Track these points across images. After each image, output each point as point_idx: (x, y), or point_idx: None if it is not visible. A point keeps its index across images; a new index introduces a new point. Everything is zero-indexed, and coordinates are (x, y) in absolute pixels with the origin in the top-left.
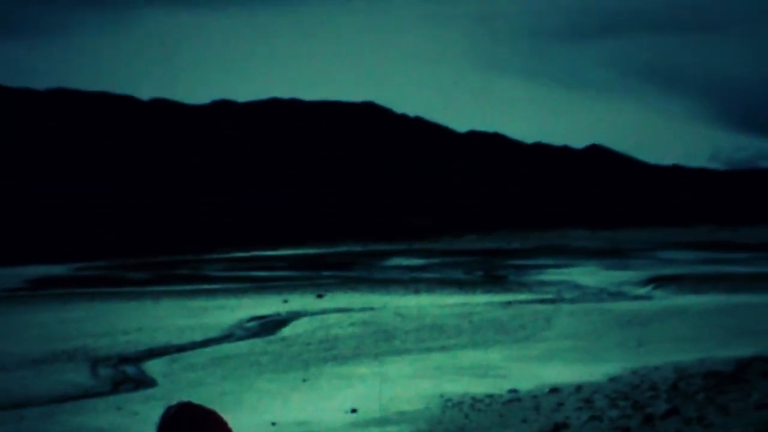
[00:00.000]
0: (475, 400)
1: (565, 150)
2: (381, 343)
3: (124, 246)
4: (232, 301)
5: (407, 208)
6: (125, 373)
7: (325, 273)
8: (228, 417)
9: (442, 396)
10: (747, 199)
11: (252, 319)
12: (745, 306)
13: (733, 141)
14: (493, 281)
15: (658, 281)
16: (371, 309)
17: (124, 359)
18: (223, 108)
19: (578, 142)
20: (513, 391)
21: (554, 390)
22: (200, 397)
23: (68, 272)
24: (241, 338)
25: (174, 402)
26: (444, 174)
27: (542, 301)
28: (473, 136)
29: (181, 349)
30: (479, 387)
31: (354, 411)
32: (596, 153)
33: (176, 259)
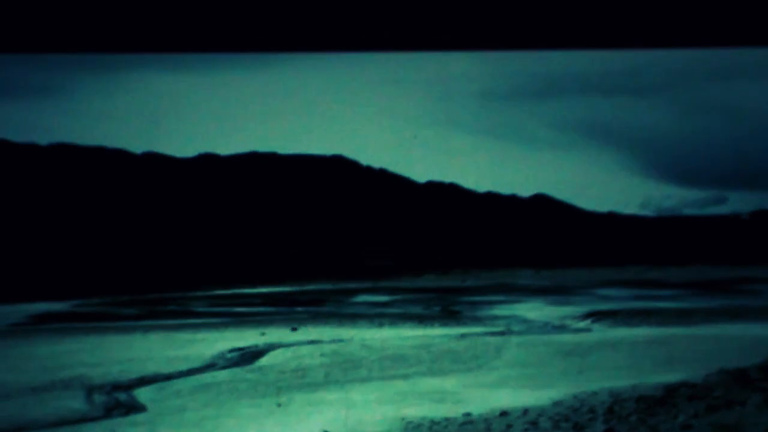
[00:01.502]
0: (433, 422)
1: (513, 198)
2: (348, 371)
3: (117, 285)
4: (214, 334)
5: (372, 251)
6: (117, 400)
7: (299, 309)
8: None
9: (403, 419)
10: (674, 243)
11: (232, 350)
12: (673, 337)
13: (661, 191)
14: (449, 316)
15: (596, 315)
16: (340, 341)
17: (117, 387)
18: (208, 160)
19: (525, 191)
20: (467, 414)
21: (504, 413)
22: (184, 421)
23: (67, 308)
24: (222, 367)
25: None
26: (405, 219)
27: (493, 334)
28: (431, 185)
29: (168, 377)
30: (437, 411)
31: None
32: (541, 201)
33: (164, 297)
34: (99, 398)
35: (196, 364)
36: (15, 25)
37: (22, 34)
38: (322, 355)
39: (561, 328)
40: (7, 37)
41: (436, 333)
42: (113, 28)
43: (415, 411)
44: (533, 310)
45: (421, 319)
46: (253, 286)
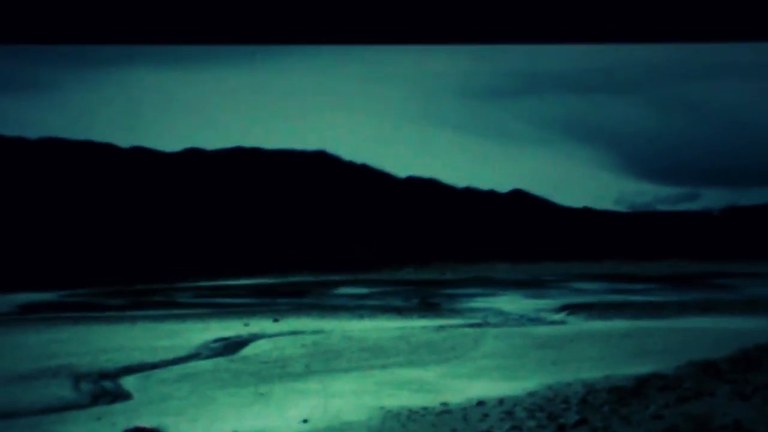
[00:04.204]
0: (411, 411)
1: (492, 193)
2: (329, 362)
3: (104, 276)
4: (198, 325)
5: (354, 244)
6: (104, 388)
7: (281, 300)
8: (193, 426)
9: (382, 408)
10: (647, 238)
11: (216, 340)
12: (645, 330)
13: (635, 187)
14: (428, 308)
15: (571, 308)
16: (321, 332)
17: (104, 375)
18: (193, 155)
19: (503, 186)
20: (444, 404)
21: (480, 403)
22: (169, 409)
23: (55, 298)
24: (206, 357)
25: (132, 425)
26: (386, 214)
27: (470, 326)
28: (412, 180)
29: (154, 366)
30: (415, 400)
31: (305, 421)
32: (518, 196)
33: (150, 288)
34: (86, 386)
35: (180, 354)
36: (3, 16)
37: (10, 25)
38: (303, 345)
39: (537, 321)
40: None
41: (415, 325)
42: (101, 18)
43: (394, 401)
44: (510, 302)
45: (400, 311)
46: (237, 277)
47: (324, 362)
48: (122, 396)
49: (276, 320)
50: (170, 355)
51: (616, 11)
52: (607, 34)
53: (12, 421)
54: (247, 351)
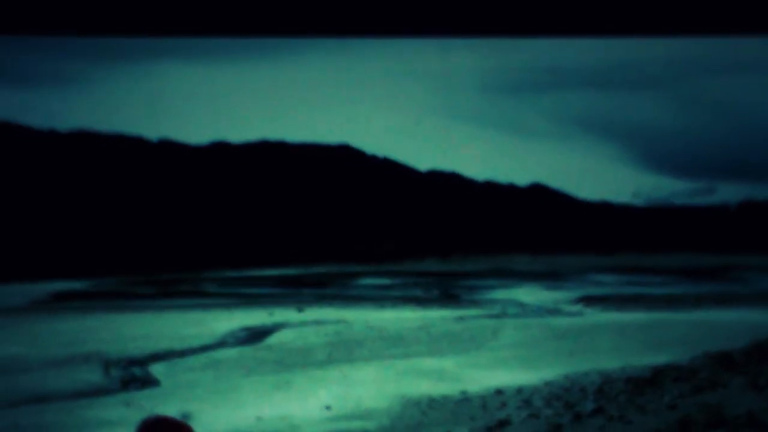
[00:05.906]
0: (431, 399)
1: (511, 187)
2: (351, 351)
3: (133, 265)
4: (224, 314)
5: (376, 236)
6: (133, 374)
7: (305, 290)
8: (218, 412)
9: (403, 396)
10: (664, 231)
11: (242, 329)
12: (661, 322)
13: (653, 181)
14: (448, 299)
15: (588, 300)
16: (344, 322)
17: (132, 362)
18: (220, 148)
19: (522, 180)
20: (463, 392)
21: (499, 392)
22: (195, 395)
23: (86, 287)
24: (232, 345)
25: (154, 414)
26: (408, 206)
27: (490, 316)
28: (433, 174)
29: (181, 354)
30: (435, 389)
31: (328, 408)
32: (537, 190)
33: (178, 277)
34: (115, 372)
35: (207, 342)
36: (31, 6)
37: (37, 17)
38: (326, 335)
39: (554, 312)
40: (22, 19)
41: (435, 315)
42: (128, 11)
43: (415, 389)
44: (528, 294)
45: (421, 302)
46: (262, 268)
47: (346, 351)
48: (150, 382)
49: (300, 310)
50: (196, 343)
51: (636, 4)
52: (626, 28)
53: (44, 405)
54: (272, 340)
